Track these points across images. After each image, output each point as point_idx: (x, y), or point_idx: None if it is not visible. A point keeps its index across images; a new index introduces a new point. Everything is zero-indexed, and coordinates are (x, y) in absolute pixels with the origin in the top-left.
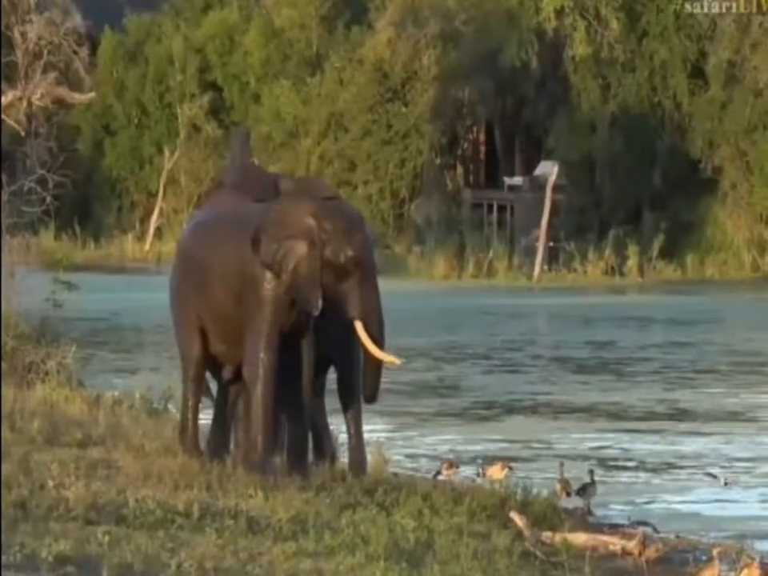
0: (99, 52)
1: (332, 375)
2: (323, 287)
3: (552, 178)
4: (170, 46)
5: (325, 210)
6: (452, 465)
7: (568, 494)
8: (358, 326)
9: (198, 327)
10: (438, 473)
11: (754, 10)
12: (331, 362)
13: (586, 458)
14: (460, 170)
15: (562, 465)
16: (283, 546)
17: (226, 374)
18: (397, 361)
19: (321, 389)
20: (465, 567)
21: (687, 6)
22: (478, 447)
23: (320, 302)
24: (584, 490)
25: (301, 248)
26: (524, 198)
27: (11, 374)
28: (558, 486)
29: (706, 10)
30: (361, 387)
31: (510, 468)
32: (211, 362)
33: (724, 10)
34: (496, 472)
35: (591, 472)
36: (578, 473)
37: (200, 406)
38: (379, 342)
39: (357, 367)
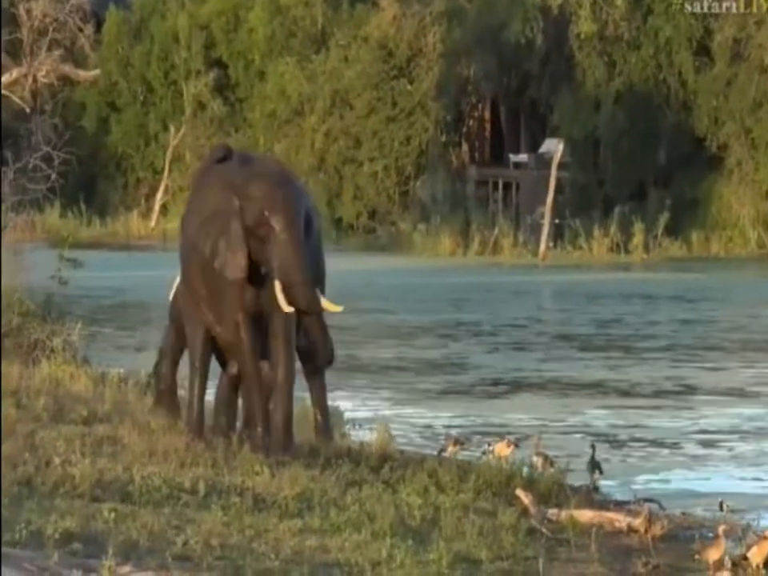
0: (104, 29)
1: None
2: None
3: (557, 156)
4: (174, 23)
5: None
6: (457, 442)
7: (551, 465)
8: (276, 285)
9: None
10: (443, 450)
11: (755, 10)
12: None
13: (591, 434)
14: (465, 147)
15: (539, 438)
16: (289, 523)
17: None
18: (336, 308)
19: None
20: (470, 544)
21: (687, 6)
22: (484, 424)
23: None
24: (596, 466)
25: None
26: (529, 175)
27: (17, 351)
28: (536, 459)
29: (705, 9)
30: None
31: (516, 445)
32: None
33: (724, 10)
34: (502, 449)
35: (593, 447)
36: (584, 449)
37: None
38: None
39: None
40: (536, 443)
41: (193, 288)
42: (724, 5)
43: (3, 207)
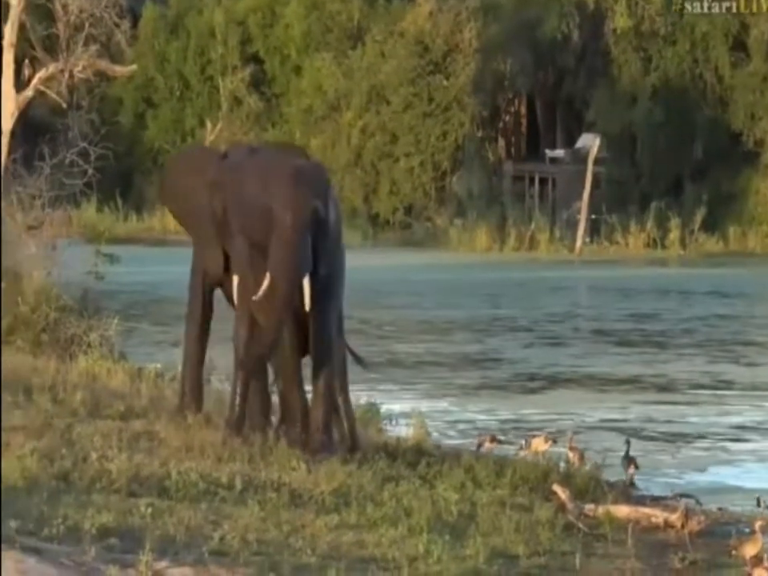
0: (140, 24)
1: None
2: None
3: (593, 151)
4: (211, 19)
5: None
6: (494, 438)
7: (583, 460)
8: (305, 283)
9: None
10: (480, 445)
11: (755, 9)
12: None
13: (627, 429)
14: (501, 142)
15: (573, 434)
16: (326, 519)
17: None
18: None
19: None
20: (507, 540)
21: (687, 6)
22: (520, 420)
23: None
24: (631, 461)
25: None
26: (565, 171)
27: (54, 346)
28: (570, 455)
29: (706, 9)
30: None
31: (554, 441)
32: None
33: (724, 10)
34: (539, 444)
35: (628, 442)
36: (620, 444)
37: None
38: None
39: None
40: (569, 438)
41: (246, 285)
42: (724, 5)
43: (40, 202)
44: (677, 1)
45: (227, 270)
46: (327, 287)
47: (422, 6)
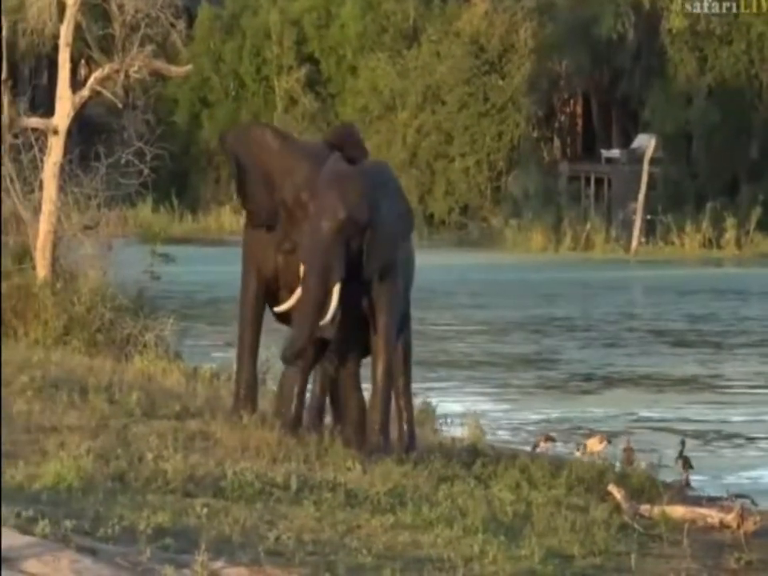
0: (196, 25)
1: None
2: None
3: (649, 151)
4: (266, 19)
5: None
6: (549, 438)
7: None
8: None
9: None
10: (536, 446)
11: (754, 9)
12: None
13: (683, 430)
14: (557, 142)
15: (629, 435)
16: (381, 519)
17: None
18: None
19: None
20: (563, 540)
21: (687, 6)
22: (576, 420)
23: None
24: (686, 461)
25: None
26: (621, 171)
27: (109, 346)
28: (624, 456)
29: (706, 9)
30: None
31: (609, 441)
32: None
33: (724, 11)
34: (595, 444)
35: (683, 443)
36: (676, 444)
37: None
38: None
39: None
40: (626, 440)
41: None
42: (724, 5)
43: (95, 202)
44: (677, 1)
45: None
46: (385, 288)
47: (478, 6)
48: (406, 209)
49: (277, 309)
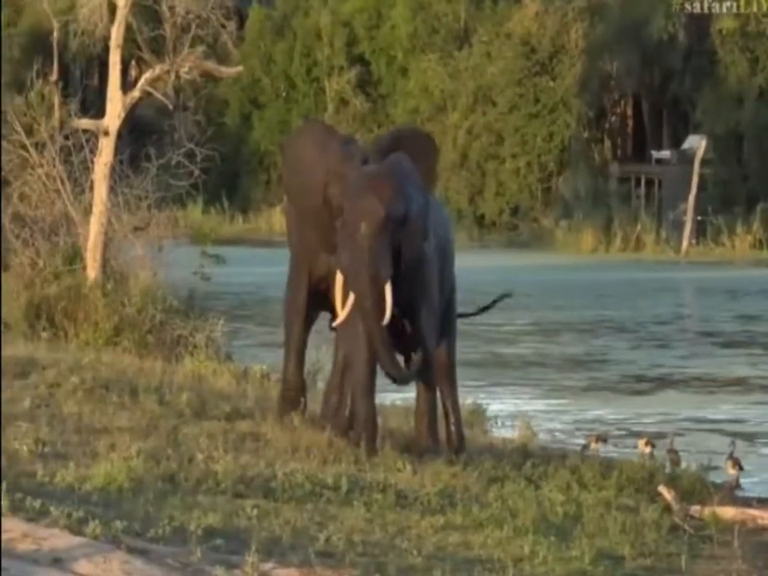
0: (247, 26)
1: None
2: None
3: (700, 152)
4: (317, 20)
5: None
6: (599, 439)
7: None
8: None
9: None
10: (586, 446)
11: (755, 9)
12: None
13: (734, 431)
14: (607, 143)
15: (673, 436)
16: (431, 520)
17: None
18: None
19: None
20: (613, 541)
21: (687, 6)
22: (626, 421)
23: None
24: (735, 462)
25: None
26: (671, 172)
27: (160, 347)
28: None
29: (705, 9)
30: None
31: (653, 445)
32: None
33: (724, 10)
34: (641, 447)
35: (733, 444)
36: (726, 446)
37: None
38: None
39: None
40: (669, 441)
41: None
42: (724, 5)
43: (146, 204)
44: (677, 1)
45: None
46: (421, 290)
47: (529, 7)
48: (425, 201)
49: (335, 324)
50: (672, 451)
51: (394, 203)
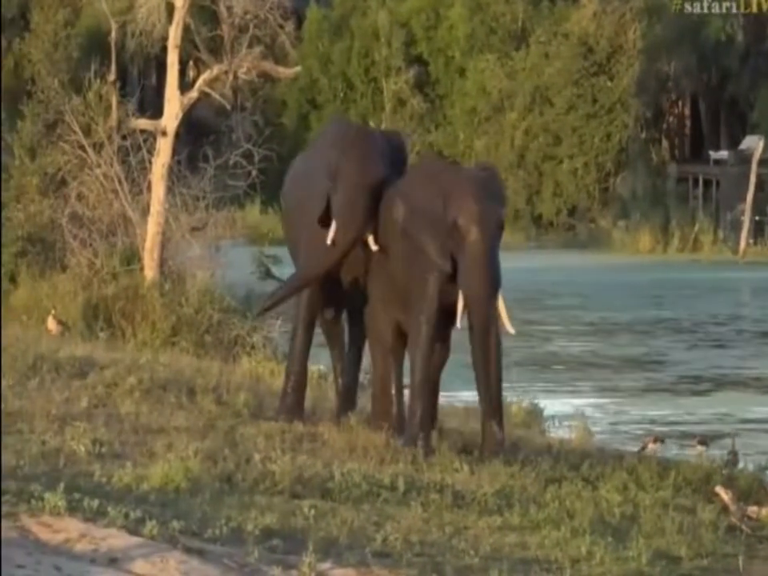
0: (305, 26)
1: None
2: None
3: (758, 152)
4: (375, 20)
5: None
6: (657, 439)
7: (735, 465)
8: (460, 295)
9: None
10: (644, 447)
11: (754, 9)
12: None
13: None
14: (665, 143)
15: (733, 437)
16: (488, 520)
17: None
18: (509, 328)
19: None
20: (670, 541)
21: (687, 6)
22: (685, 422)
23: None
24: None
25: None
26: (729, 172)
27: (217, 347)
28: (729, 459)
29: (705, 9)
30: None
31: (706, 444)
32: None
33: (724, 11)
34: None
35: None
36: None
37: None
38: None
39: None
40: (731, 442)
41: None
42: (724, 5)
43: (203, 204)
44: (677, 1)
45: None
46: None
47: (586, 7)
48: None
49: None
50: (733, 453)
51: (504, 209)
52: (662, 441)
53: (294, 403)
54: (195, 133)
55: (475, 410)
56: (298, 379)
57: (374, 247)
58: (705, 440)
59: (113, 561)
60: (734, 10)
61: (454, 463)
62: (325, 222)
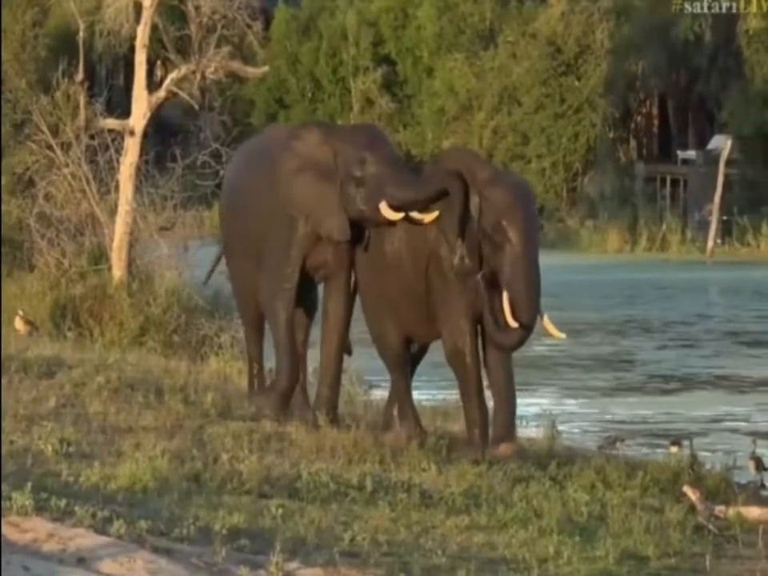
0: (273, 26)
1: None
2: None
3: (725, 152)
4: (343, 20)
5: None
6: (618, 439)
7: (764, 469)
8: (504, 295)
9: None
10: (610, 445)
11: (754, 9)
12: None
13: (761, 431)
14: (633, 143)
15: (754, 441)
16: (456, 520)
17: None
18: (558, 334)
19: None
20: (638, 541)
21: (687, 6)
22: (654, 421)
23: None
24: (758, 462)
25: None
26: (697, 172)
27: (185, 347)
28: (750, 463)
29: (705, 10)
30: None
31: (681, 445)
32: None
33: (724, 11)
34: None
35: (754, 442)
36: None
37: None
38: (528, 313)
39: None
40: (753, 447)
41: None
42: (724, 5)
43: (172, 203)
44: (677, 1)
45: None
46: None
47: (554, 7)
48: None
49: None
50: (755, 458)
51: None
52: (623, 440)
53: (282, 401)
54: (163, 132)
55: (443, 409)
56: (294, 377)
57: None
58: (679, 441)
59: (81, 560)
60: (734, 11)
61: (421, 463)
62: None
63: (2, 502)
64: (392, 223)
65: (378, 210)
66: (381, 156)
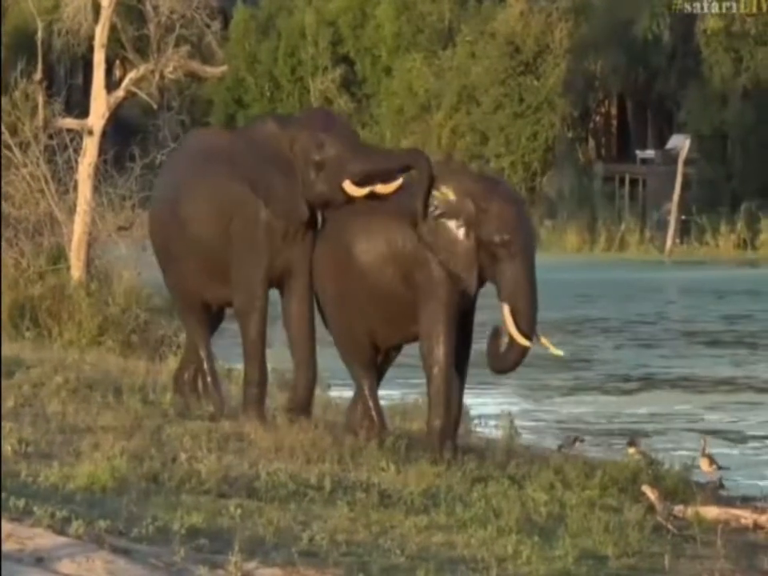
0: (231, 25)
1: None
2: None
3: (684, 152)
4: (302, 20)
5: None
6: (577, 439)
7: (718, 467)
8: (505, 309)
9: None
10: (565, 446)
11: (754, 9)
12: None
13: (718, 430)
14: (592, 143)
15: (704, 439)
16: (415, 519)
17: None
18: (557, 351)
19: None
20: (597, 540)
21: (687, 6)
22: (612, 421)
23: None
24: (711, 460)
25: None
26: (656, 171)
27: (144, 346)
28: (702, 461)
29: (705, 10)
30: None
31: (638, 445)
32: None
33: (724, 11)
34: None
35: (703, 440)
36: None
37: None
38: (528, 326)
39: None
40: (702, 445)
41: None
42: (724, 5)
43: (130, 203)
44: (677, 1)
45: None
46: None
47: (513, 7)
48: None
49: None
50: (707, 455)
51: None
52: (582, 439)
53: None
54: (122, 132)
55: (401, 408)
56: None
57: None
58: (634, 440)
59: (39, 560)
60: (734, 11)
61: (380, 462)
62: None
63: None
64: (352, 200)
65: (340, 189)
66: (338, 137)
